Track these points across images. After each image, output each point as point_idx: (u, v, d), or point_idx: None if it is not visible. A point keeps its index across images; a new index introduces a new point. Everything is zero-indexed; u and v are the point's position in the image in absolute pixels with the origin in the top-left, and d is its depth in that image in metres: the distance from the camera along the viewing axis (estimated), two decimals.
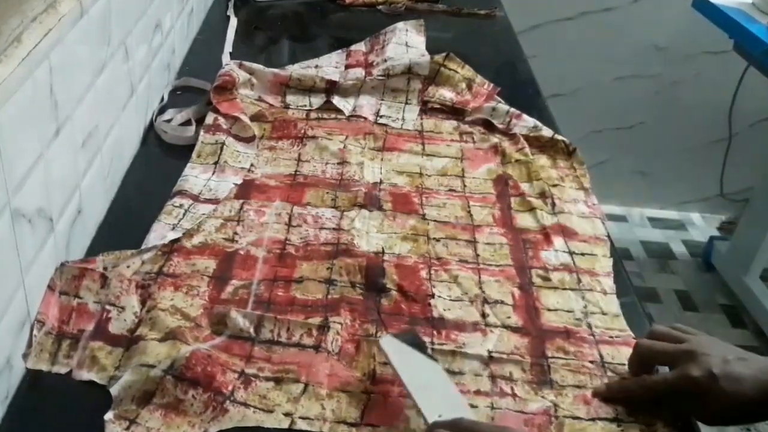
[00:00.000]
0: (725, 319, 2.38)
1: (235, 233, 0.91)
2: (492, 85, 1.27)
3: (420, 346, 0.73)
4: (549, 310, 0.84)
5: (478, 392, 0.72)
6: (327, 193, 1.00)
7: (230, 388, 0.69)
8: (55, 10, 0.75)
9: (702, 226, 2.82)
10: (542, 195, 1.02)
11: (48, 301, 0.76)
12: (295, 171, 1.04)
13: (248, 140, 1.09)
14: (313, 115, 1.20)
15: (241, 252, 0.88)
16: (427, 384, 0.68)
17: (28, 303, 0.72)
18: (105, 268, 0.82)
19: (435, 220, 0.97)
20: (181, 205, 0.94)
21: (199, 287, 0.82)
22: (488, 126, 1.20)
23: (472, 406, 0.70)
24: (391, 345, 0.72)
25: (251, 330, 0.76)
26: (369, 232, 0.93)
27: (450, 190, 1.04)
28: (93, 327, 0.76)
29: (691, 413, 0.70)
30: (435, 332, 0.79)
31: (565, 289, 0.87)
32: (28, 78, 0.68)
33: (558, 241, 0.94)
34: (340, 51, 1.37)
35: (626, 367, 0.76)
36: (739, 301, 2.37)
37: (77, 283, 0.79)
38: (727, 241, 2.49)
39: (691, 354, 0.69)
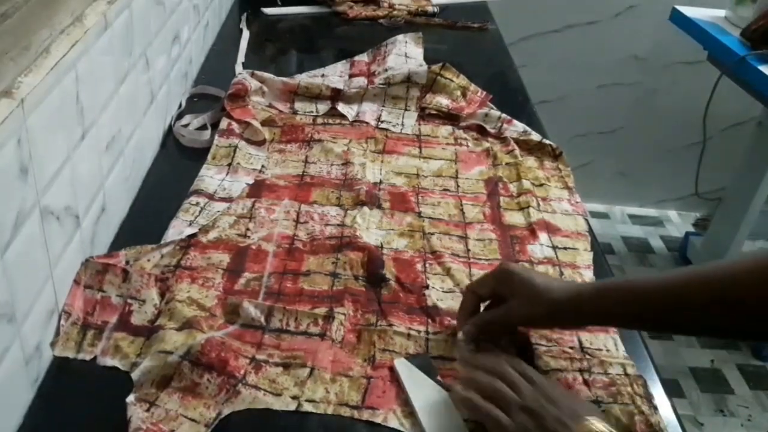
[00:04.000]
0: None
1: (248, 229, 0.91)
2: (485, 92, 1.27)
3: (431, 372, 0.72)
4: None
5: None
6: (332, 192, 1.00)
7: (242, 372, 0.69)
8: (81, 23, 0.75)
9: (678, 222, 2.82)
10: (529, 194, 1.02)
11: (74, 293, 0.75)
12: (303, 172, 1.04)
13: (259, 144, 1.09)
14: (319, 120, 1.19)
15: (253, 247, 0.88)
16: (433, 408, 0.68)
17: (56, 295, 0.72)
18: (127, 262, 0.82)
19: (430, 218, 0.97)
20: (197, 204, 0.94)
21: (214, 279, 0.82)
22: (481, 131, 1.20)
23: None
24: (404, 368, 0.72)
25: (262, 319, 0.76)
26: (369, 228, 0.93)
27: (444, 190, 1.03)
28: (116, 319, 0.75)
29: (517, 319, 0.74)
30: (430, 320, 0.79)
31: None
32: (56, 86, 0.67)
33: (543, 236, 0.94)
34: (344, 61, 1.37)
35: (602, 351, 0.76)
36: None
37: (101, 278, 0.78)
38: (702, 237, 2.49)
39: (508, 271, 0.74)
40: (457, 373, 0.71)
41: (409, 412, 0.68)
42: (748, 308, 0.63)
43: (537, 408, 0.63)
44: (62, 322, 0.73)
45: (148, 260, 0.83)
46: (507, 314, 0.73)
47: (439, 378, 0.71)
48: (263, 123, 1.14)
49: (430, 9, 1.72)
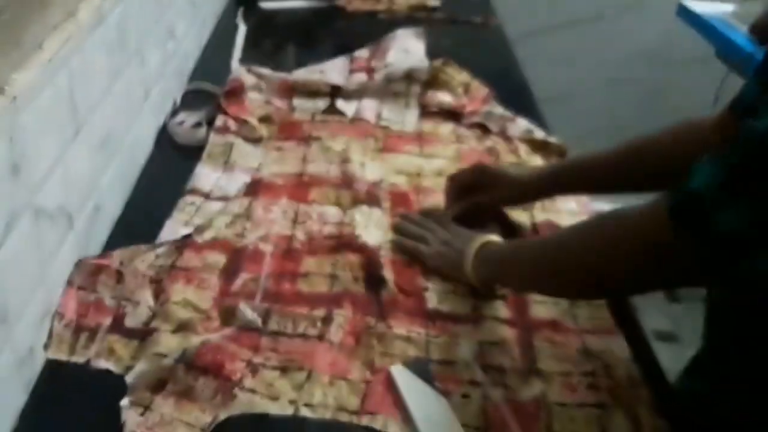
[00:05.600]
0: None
1: (244, 229, 0.91)
2: (487, 89, 1.27)
3: (428, 378, 0.72)
4: (537, 302, 0.83)
5: (471, 382, 0.72)
6: (331, 191, 1.00)
7: (238, 375, 0.69)
8: (74, 18, 0.75)
9: None
10: None
11: (67, 295, 0.76)
12: (301, 170, 1.04)
13: (256, 141, 1.09)
14: (318, 117, 1.19)
15: (250, 247, 0.88)
16: (431, 416, 0.67)
17: (49, 296, 0.72)
18: (121, 263, 0.82)
19: None
20: (192, 203, 0.94)
21: (210, 281, 0.82)
22: (484, 129, 1.20)
23: (465, 396, 0.70)
24: (401, 375, 0.71)
25: (259, 322, 0.76)
26: (368, 227, 0.93)
27: None
28: (110, 321, 0.76)
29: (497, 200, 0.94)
30: (430, 323, 0.79)
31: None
32: (49, 83, 0.68)
33: None
34: (343, 57, 1.37)
35: (607, 354, 0.77)
36: None
37: (94, 280, 0.79)
38: None
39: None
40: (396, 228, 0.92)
41: (410, 418, 0.68)
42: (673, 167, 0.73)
43: (445, 238, 0.86)
44: (55, 324, 0.73)
45: (143, 261, 0.83)
46: (491, 197, 0.92)
47: (437, 384, 0.71)
48: (260, 120, 1.14)
49: (430, 3, 1.72)
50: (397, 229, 0.92)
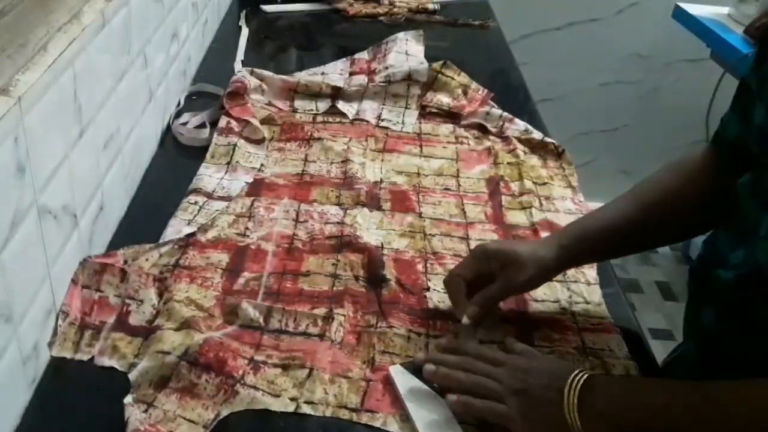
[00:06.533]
0: None
1: (247, 228, 0.91)
2: (486, 90, 1.26)
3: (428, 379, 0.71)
4: (536, 300, 0.83)
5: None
6: (332, 191, 1.00)
7: (240, 372, 0.69)
8: (78, 21, 0.75)
9: None
10: (531, 193, 1.02)
11: (72, 293, 0.75)
12: (302, 170, 1.04)
13: (258, 142, 1.09)
14: (319, 118, 1.19)
15: (252, 246, 0.88)
16: (430, 416, 0.67)
17: (53, 295, 0.72)
18: (125, 261, 0.82)
19: (431, 218, 0.96)
20: (196, 202, 0.94)
21: (213, 279, 0.82)
22: (482, 129, 1.20)
23: None
24: (400, 375, 0.71)
25: (261, 320, 0.76)
26: (369, 228, 0.93)
27: (445, 189, 1.03)
28: (114, 319, 0.75)
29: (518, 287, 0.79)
30: (430, 322, 0.79)
31: (551, 281, 0.87)
32: (54, 84, 0.67)
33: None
34: (344, 59, 1.36)
35: (605, 351, 0.77)
36: None
37: (98, 278, 0.78)
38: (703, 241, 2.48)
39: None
40: (436, 377, 0.70)
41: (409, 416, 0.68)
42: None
43: (523, 386, 0.65)
44: (60, 322, 0.73)
45: (147, 260, 0.83)
46: (505, 286, 0.77)
47: (436, 384, 0.70)
48: (262, 121, 1.14)
49: (430, 6, 1.72)
50: (443, 376, 0.69)
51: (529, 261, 0.76)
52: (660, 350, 0.85)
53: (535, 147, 1.15)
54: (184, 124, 1.13)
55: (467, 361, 0.70)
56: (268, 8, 1.66)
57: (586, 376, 0.63)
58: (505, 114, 1.20)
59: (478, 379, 0.67)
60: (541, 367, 0.67)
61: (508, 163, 1.10)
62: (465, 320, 0.75)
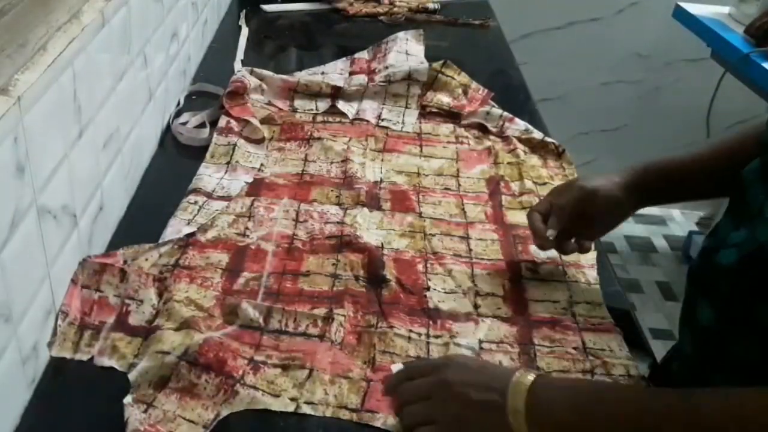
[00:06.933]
0: None
1: (247, 228, 0.91)
2: (486, 90, 1.26)
3: None
4: (536, 301, 0.83)
5: None
6: (332, 191, 1.00)
7: (240, 372, 0.69)
8: (78, 20, 0.75)
9: (682, 221, 2.82)
10: (532, 193, 1.02)
11: (71, 293, 0.75)
12: (302, 170, 1.04)
13: (258, 142, 1.09)
14: (319, 118, 1.19)
15: (252, 246, 0.88)
16: None
17: (53, 295, 0.71)
18: (125, 261, 0.82)
19: (431, 218, 0.96)
20: (195, 202, 0.94)
21: (213, 279, 0.82)
22: (483, 129, 1.20)
23: None
24: None
25: (260, 320, 0.76)
26: (369, 228, 0.92)
27: (445, 189, 1.03)
28: (114, 319, 0.75)
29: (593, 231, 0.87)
30: (431, 322, 0.79)
31: (552, 281, 0.87)
32: (53, 84, 0.67)
33: None
34: (344, 59, 1.36)
35: (605, 351, 0.77)
36: None
37: (98, 278, 0.78)
38: (705, 236, 2.48)
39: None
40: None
41: None
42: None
43: (462, 394, 0.63)
44: (59, 322, 0.72)
45: (146, 260, 0.83)
46: (594, 229, 0.87)
47: None
48: (262, 121, 1.14)
49: (430, 6, 1.72)
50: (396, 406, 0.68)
51: (609, 202, 0.84)
52: (660, 350, 0.85)
53: (535, 147, 1.15)
54: (184, 123, 1.13)
55: (414, 386, 0.67)
56: (268, 8, 1.66)
57: (524, 378, 0.62)
58: (506, 114, 1.20)
59: (419, 406, 0.65)
60: (480, 377, 0.65)
61: (509, 163, 1.10)
62: (550, 233, 0.83)
